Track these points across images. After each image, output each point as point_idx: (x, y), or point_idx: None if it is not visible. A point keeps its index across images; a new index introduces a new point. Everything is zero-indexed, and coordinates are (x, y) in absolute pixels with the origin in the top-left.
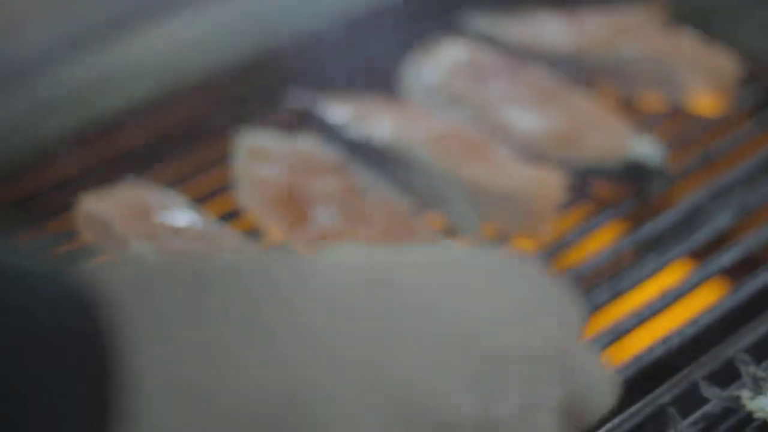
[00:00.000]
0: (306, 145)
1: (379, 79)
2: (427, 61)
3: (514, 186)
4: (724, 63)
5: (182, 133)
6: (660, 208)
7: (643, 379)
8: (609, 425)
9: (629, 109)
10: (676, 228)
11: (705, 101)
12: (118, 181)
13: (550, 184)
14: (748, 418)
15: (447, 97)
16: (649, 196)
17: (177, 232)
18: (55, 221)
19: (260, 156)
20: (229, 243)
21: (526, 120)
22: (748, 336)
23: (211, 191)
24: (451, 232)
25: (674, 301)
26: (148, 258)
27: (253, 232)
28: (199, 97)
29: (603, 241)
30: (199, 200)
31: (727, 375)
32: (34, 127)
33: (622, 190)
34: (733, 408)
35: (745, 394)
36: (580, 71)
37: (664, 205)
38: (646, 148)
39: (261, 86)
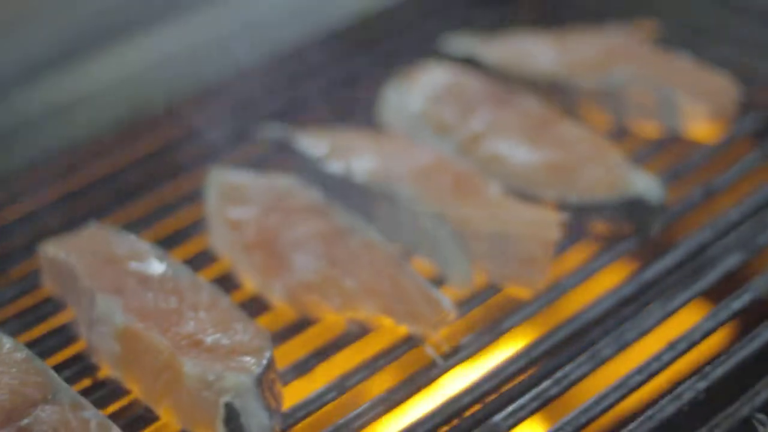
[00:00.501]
0: (282, 183)
1: (356, 108)
2: (409, 87)
3: (507, 227)
4: (722, 87)
5: (147, 167)
6: (662, 247)
7: None
8: None
9: (623, 137)
10: (681, 269)
11: (702, 128)
12: (80, 220)
13: (546, 224)
14: None
15: (431, 126)
16: (650, 234)
17: (146, 283)
18: (16, 268)
19: (233, 196)
20: (202, 296)
21: (518, 153)
22: (764, 392)
23: (180, 234)
24: (440, 280)
25: (683, 353)
26: None
27: (228, 282)
28: (165, 128)
29: (604, 285)
30: (168, 245)
31: None
32: None
33: (621, 228)
34: None
35: None
36: (569, 97)
37: (667, 243)
38: (645, 183)
39: (230, 116)
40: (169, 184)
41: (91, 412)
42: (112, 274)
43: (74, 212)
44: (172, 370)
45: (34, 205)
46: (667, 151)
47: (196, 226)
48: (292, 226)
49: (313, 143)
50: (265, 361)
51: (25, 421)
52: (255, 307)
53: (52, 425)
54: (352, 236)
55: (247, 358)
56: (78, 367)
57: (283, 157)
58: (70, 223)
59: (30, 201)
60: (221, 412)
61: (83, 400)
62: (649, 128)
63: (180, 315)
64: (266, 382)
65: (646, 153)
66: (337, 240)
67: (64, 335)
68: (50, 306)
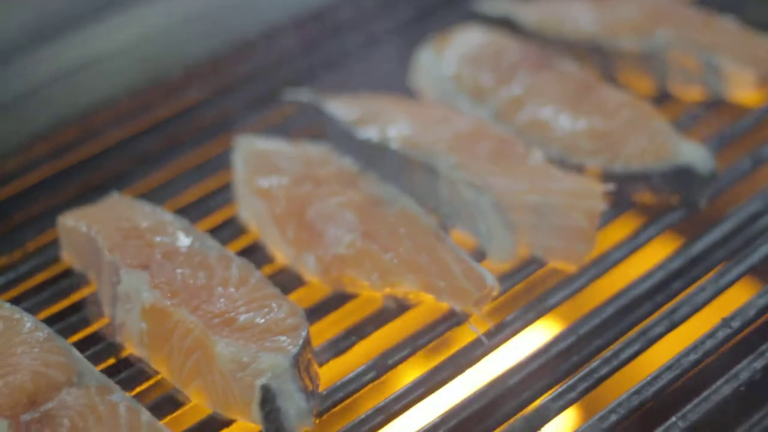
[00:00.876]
0: (314, 151)
1: (387, 72)
2: (443, 50)
3: (551, 197)
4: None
5: (167, 133)
6: (711, 218)
7: (707, 424)
8: None
9: (665, 102)
10: (731, 242)
11: (748, 93)
12: (99, 189)
13: (591, 194)
14: None
15: (467, 91)
16: (698, 205)
17: (172, 257)
18: (33, 240)
19: (263, 164)
20: (232, 271)
21: (559, 119)
22: None
23: (205, 204)
24: (480, 253)
25: (739, 331)
26: None
27: (258, 255)
28: (186, 91)
29: (652, 258)
30: (192, 215)
31: None
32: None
33: (667, 198)
34: None
35: None
36: (609, 60)
37: (715, 214)
38: (694, 152)
39: (254, 79)
40: (191, 151)
41: (118, 395)
42: (136, 248)
43: (92, 180)
44: (203, 350)
45: (50, 173)
46: (712, 117)
47: (222, 196)
48: (325, 196)
49: (344, 108)
50: (301, 341)
51: (49, 405)
52: (286, 281)
53: (78, 410)
54: (388, 207)
55: (283, 338)
56: (100, 346)
57: (310, 123)
58: (88, 193)
59: (46, 169)
60: (257, 395)
61: (110, 383)
62: (692, 93)
63: (210, 291)
64: (303, 363)
65: (689, 119)
66: (372, 211)
67: (85, 312)
68: (69, 280)
